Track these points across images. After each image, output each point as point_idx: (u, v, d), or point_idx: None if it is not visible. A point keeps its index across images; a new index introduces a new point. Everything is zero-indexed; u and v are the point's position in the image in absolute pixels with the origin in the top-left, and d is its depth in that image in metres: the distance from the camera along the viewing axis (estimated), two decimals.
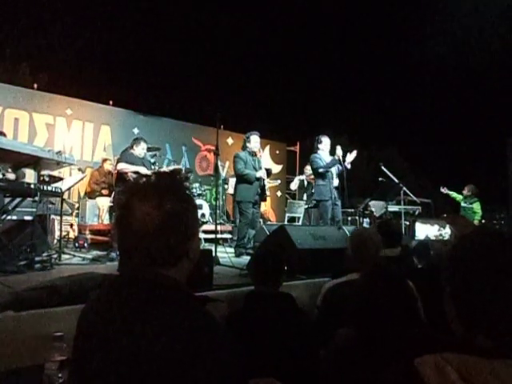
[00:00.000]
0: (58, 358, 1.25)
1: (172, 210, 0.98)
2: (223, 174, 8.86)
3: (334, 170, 5.84)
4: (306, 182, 7.83)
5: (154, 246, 0.96)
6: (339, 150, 5.73)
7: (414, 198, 6.96)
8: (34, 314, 1.83)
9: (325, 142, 5.91)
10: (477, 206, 7.65)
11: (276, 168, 11.24)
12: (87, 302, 1.06)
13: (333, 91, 10.07)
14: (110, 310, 0.95)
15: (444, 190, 8.05)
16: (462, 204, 7.83)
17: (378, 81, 9.50)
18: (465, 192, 7.88)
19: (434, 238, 2.79)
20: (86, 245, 5.60)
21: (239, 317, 1.88)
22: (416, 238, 2.95)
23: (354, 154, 5.78)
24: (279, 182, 9.95)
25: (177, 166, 6.68)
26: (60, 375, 1.24)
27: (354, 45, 9.27)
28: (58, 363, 1.25)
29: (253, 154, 5.58)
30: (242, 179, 5.48)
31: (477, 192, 7.81)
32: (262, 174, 5.49)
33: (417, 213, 7.34)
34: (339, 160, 5.70)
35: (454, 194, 8.01)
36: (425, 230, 2.89)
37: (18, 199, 3.81)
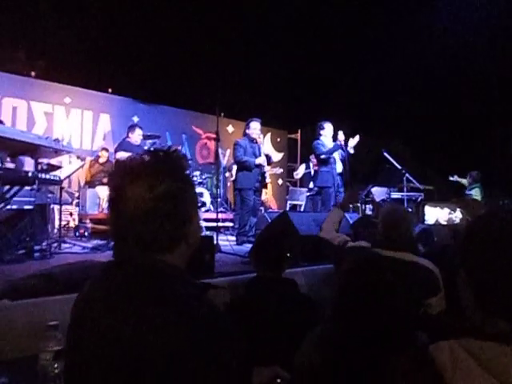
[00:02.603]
0: (52, 348, 1.21)
1: (166, 192, 0.91)
2: (224, 161, 8.80)
3: (338, 156, 5.77)
4: (312, 171, 7.75)
5: (148, 231, 0.90)
6: (341, 135, 5.66)
7: (417, 185, 6.89)
8: (31, 302, 1.79)
9: (327, 128, 5.84)
10: (476, 192, 7.59)
11: (277, 156, 11.16)
12: (81, 289, 1.01)
13: (334, 78, 9.92)
14: (105, 298, 0.90)
15: (454, 178, 8.00)
16: (467, 191, 7.78)
17: (381, 68, 9.36)
18: (469, 179, 7.82)
19: (444, 223, 2.73)
20: (86, 234, 5.57)
21: (241, 303, 1.83)
22: (426, 222, 2.88)
23: (357, 138, 5.72)
24: (281, 170, 9.89)
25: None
26: (55, 365, 1.19)
27: (356, 30, 9.11)
28: (53, 353, 1.20)
29: (253, 140, 5.51)
30: (241, 166, 5.42)
31: (478, 178, 7.74)
32: (261, 160, 5.42)
33: (419, 200, 7.28)
34: (341, 145, 5.64)
35: (463, 181, 7.97)
36: (434, 214, 2.82)
37: (16, 188, 3.76)
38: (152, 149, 1.01)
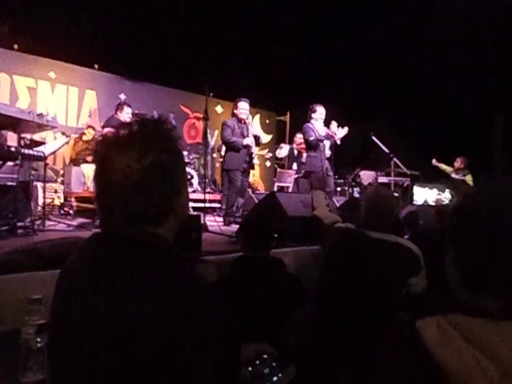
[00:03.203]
0: (35, 322, 1.18)
1: (155, 162, 0.88)
2: (212, 142, 8.72)
3: (327, 142, 5.75)
4: (295, 152, 7.74)
5: (135, 202, 0.87)
6: (334, 126, 5.63)
7: (404, 170, 6.94)
8: (13, 277, 1.75)
9: (319, 111, 5.78)
10: (469, 178, 7.62)
11: (266, 138, 11.11)
12: (65, 262, 0.98)
13: (324, 61, 9.85)
14: (91, 271, 0.87)
15: (434, 163, 8.00)
16: (453, 176, 7.78)
17: (370, 51, 9.32)
18: (457, 164, 7.81)
19: (432, 203, 2.76)
20: (71, 212, 5.50)
21: (228, 281, 1.83)
22: (414, 203, 2.91)
23: (346, 130, 5.68)
24: (270, 155, 9.87)
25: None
26: (38, 339, 1.17)
27: (348, 15, 9.00)
28: (36, 327, 1.17)
29: (241, 121, 5.45)
30: (229, 147, 5.37)
31: (468, 164, 7.79)
32: (249, 141, 5.37)
33: (405, 184, 7.34)
34: (332, 136, 5.63)
35: (443, 166, 7.98)
36: (423, 194, 2.84)
37: None
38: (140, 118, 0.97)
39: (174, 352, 0.76)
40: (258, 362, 1.20)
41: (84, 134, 7.02)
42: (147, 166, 0.87)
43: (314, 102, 6.03)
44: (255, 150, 5.72)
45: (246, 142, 5.32)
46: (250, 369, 1.19)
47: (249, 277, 1.81)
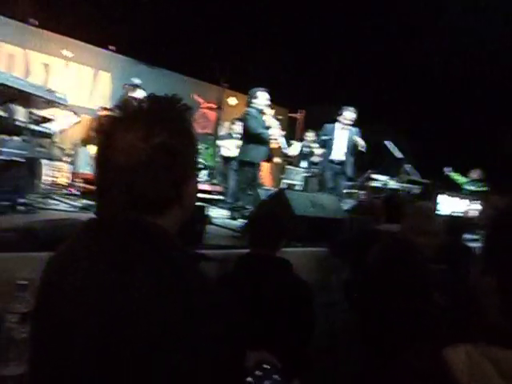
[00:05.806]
0: (19, 310, 1.09)
1: (164, 144, 0.78)
2: (221, 133, 8.61)
3: (346, 143, 5.64)
4: (307, 150, 7.63)
5: (137, 186, 0.77)
6: (360, 140, 5.63)
7: (417, 178, 6.80)
8: (5, 257, 1.66)
9: (344, 116, 5.67)
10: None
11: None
12: (57, 247, 0.88)
13: (344, 61, 9.68)
14: (85, 261, 0.77)
15: (448, 171, 7.78)
16: (469, 187, 7.51)
17: (390, 57, 9.15)
18: (474, 175, 7.59)
19: (459, 214, 2.63)
20: (77, 192, 5.41)
21: (231, 279, 1.72)
22: (438, 212, 2.79)
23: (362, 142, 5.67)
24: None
25: None
26: (22, 329, 1.08)
27: (365, 14, 8.79)
28: (20, 316, 1.08)
29: (261, 112, 5.23)
30: (254, 139, 5.02)
31: (484, 177, 7.56)
32: (277, 132, 5.20)
33: (412, 192, 7.18)
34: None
35: (455, 176, 7.77)
36: (450, 204, 2.70)
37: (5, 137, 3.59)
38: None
39: (171, 351, 0.68)
40: (258, 372, 1.09)
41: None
42: (154, 146, 0.77)
43: (330, 101, 5.93)
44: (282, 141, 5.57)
45: (273, 133, 5.10)
46: (249, 379, 1.08)
47: (253, 276, 1.70)
